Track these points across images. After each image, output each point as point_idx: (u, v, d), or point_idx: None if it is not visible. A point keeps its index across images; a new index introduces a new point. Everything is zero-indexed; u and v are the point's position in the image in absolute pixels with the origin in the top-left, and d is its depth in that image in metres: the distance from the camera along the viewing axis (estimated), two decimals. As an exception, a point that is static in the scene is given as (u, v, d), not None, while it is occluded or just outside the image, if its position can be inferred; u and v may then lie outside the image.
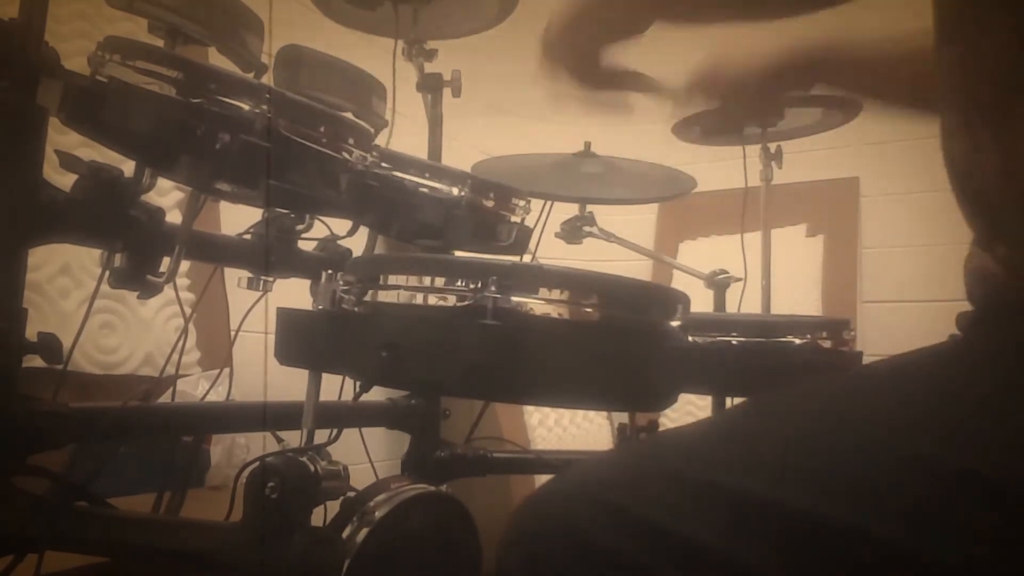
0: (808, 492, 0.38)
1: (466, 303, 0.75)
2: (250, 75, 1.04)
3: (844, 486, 0.38)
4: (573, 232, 1.76)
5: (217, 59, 1.06)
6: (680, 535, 0.39)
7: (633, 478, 0.45)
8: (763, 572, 0.37)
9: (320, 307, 0.85)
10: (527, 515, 0.47)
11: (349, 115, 1.10)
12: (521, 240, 1.27)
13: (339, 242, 1.24)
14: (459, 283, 0.76)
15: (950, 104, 0.49)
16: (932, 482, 0.37)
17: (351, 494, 0.88)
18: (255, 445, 1.50)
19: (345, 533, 0.84)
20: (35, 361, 0.89)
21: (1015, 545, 0.35)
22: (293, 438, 0.93)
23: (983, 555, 0.35)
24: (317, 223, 1.15)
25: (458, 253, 1.22)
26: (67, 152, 0.92)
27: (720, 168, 2.12)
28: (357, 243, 1.28)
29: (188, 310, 1.33)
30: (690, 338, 0.90)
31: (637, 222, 2.74)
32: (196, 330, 1.57)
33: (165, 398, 1.39)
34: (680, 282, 2.12)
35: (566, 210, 1.76)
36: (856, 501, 0.37)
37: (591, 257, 1.87)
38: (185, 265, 1.37)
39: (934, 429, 0.39)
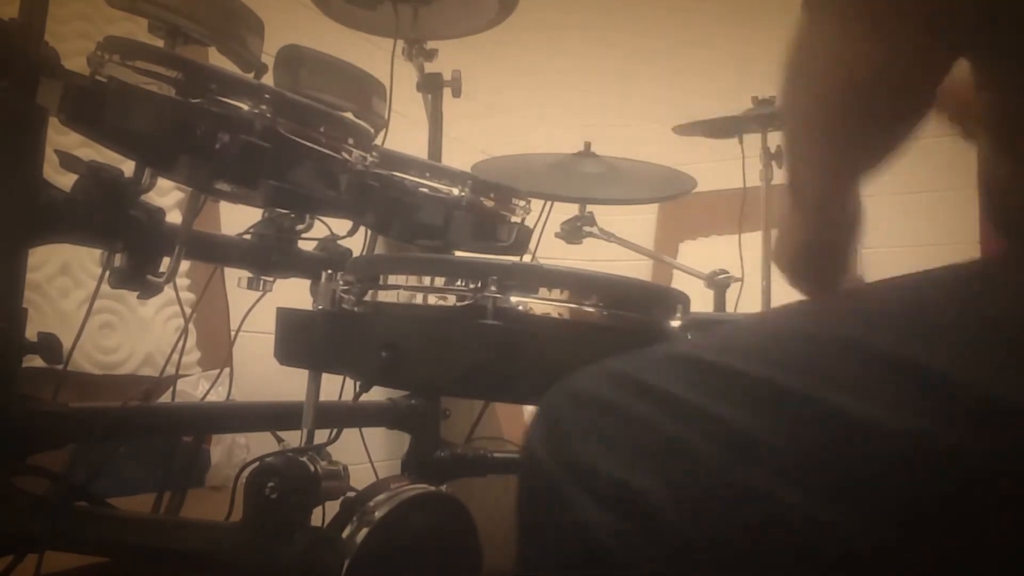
0: (821, 385, 0.40)
1: (466, 303, 0.75)
2: (250, 75, 1.04)
3: (852, 383, 0.39)
4: (573, 232, 1.76)
5: (217, 59, 1.06)
6: (698, 405, 0.41)
7: (652, 360, 0.47)
8: (769, 442, 0.39)
9: (320, 307, 0.85)
10: (551, 392, 0.49)
11: (349, 115, 1.10)
12: (521, 240, 1.27)
13: (339, 242, 1.24)
14: (459, 283, 0.76)
15: (990, 129, 0.50)
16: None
17: (351, 494, 0.88)
18: (255, 445, 1.50)
19: (345, 533, 0.84)
20: (35, 361, 0.89)
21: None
22: (293, 438, 0.93)
23: (986, 460, 0.36)
24: (317, 223, 1.15)
25: (458, 253, 1.22)
26: (67, 152, 0.92)
27: (720, 168, 2.12)
28: (357, 243, 1.28)
29: (188, 310, 1.33)
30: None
31: (637, 222, 2.74)
32: (196, 330, 1.57)
33: (165, 398, 1.39)
34: (680, 282, 2.12)
35: (566, 210, 1.76)
36: (861, 396, 0.39)
37: (591, 257, 1.88)
38: (185, 265, 1.37)
39: (950, 346, 0.40)
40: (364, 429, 1.39)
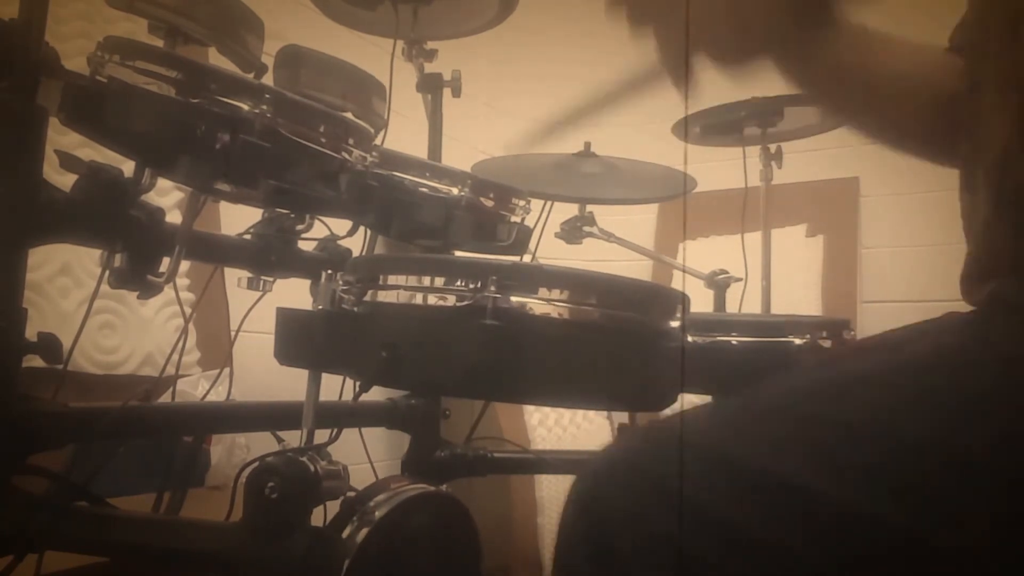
0: (825, 475, 0.41)
1: (466, 303, 0.75)
2: (250, 75, 1.04)
3: (854, 470, 0.40)
4: (573, 232, 1.76)
5: (217, 59, 1.06)
6: (721, 518, 0.42)
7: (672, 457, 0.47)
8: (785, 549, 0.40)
9: (320, 307, 0.85)
10: (584, 500, 0.49)
11: (349, 115, 1.10)
12: (521, 240, 1.27)
13: (339, 242, 1.24)
14: (459, 283, 0.76)
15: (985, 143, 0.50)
16: (933, 466, 0.39)
17: (351, 494, 0.88)
18: (255, 445, 1.50)
19: (345, 533, 0.84)
20: (35, 361, 0.88)
21: (1010, 527, 0.37)
22: (293, 438, 0.93)
23: (982, 537, 0.37)
24: (317, 223, 1.15)
25: (458, 253, 1.22)
26: (67, 152, 0.91)
27: (720, 168, 2.12)
28: (357, 243, 1.28)
29: (188, 310, 1.33)
30: (690, 338, 0.90)
31: (637, 222, 2.74)
32: (196, 330, 1.57)
33: (165, 398, 1.39)
34: (680, 282, 2.12)
35: (566, 210, 1.76)
36: (862, 483, 0.40)
37: (591, 257, 1.88)
38: (185, 265, 1.37)
39: (936, 414, 0.41)
40: (364, 429, 1.39)
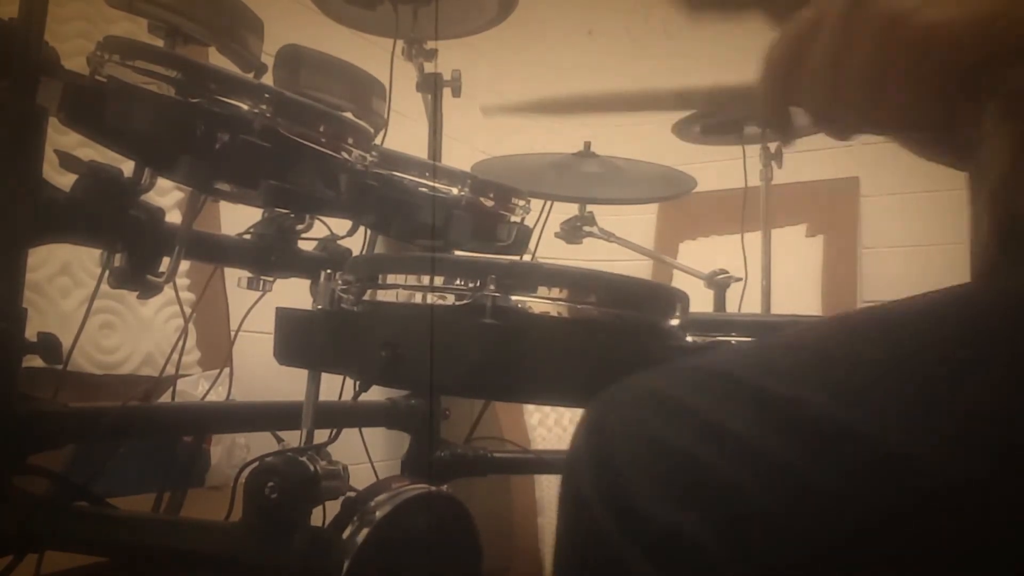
0: (846, 407, 0.40)
1: (465, 302, 0.75)
2: (250, 75, 1.04)
3: (879, 406, 0.40)
4: (573, 232, 1.76)
5: (217, 59, 1.06)
6: (747, 439, 0.41)
7: (700, 382, 0.46)
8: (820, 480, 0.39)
9: (319, 307, 0.85)
10: (595, 419, 0.48)
11: (349, 115, 1.10)
12: (521, 240, 1.27)
13: (339, 242, 1.24)
14: (458, 282, 0.76)
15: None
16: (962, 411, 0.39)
17: (351, 494, 0.88)
18: (255, 445, 1.50)
19: (345, 533, 0.84)
20: (35, 361, 0.89)
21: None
22: (293, 438, 0.93)
23: (1004, 478, 0.37)
24: (317, 223, 1.15)
25: (458, 253, 1.22)
26: (67, 152, 0.92)
27: (720, 168, 2.12)
28: (357, 243, 1.28)
29: (188, 310, 1.33)
30: (689, 338, 0.90)
31: (637, 222, 2.75)
32: (196, 330, 1.57)
33: (165, 398, 1.39)
34: (680, 282, 2.12)
35: (566, 210, 1.76)
36: (884, 418, 0.39)
37: (591, 257, 1.88)
38: (185, 265, 1.37)
39: (963, 364, 0.41)
40: (364, 429, 1.39)
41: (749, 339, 1.19)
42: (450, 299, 0.76)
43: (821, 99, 0.54)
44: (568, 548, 0.46)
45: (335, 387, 1.08)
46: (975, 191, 0.54)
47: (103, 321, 1.55)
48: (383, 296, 0.81)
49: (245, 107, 0.88)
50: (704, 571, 0.39)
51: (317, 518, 0.88)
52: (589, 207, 1.76)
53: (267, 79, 1.08)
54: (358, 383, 0.89)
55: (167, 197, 1.56)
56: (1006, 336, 0.42)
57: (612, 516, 0.42)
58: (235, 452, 1.56)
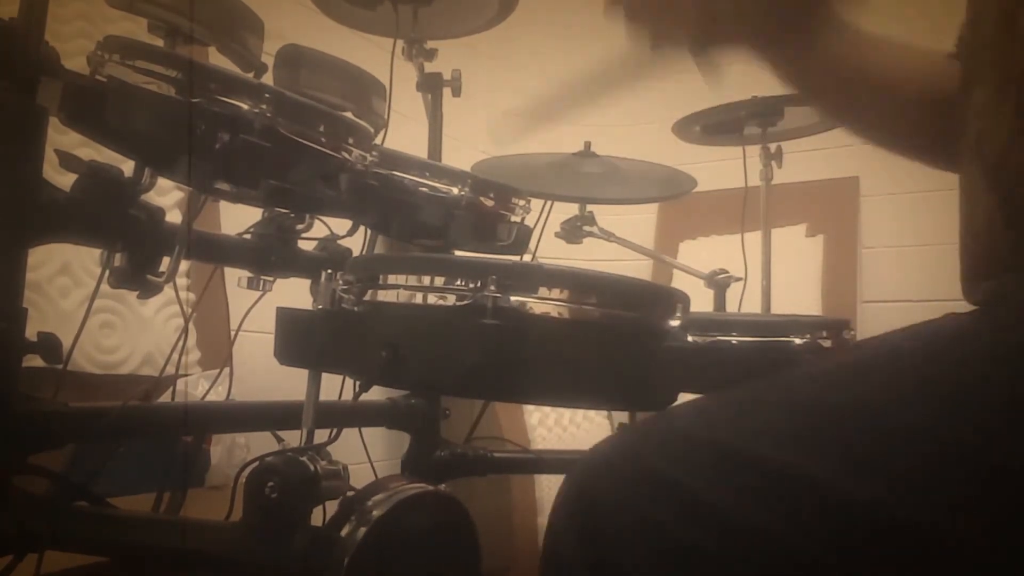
0: (815, 460, 0.40)
1: (465, 302, 0.75)
2: (250, 75, 1.04)
3: (845, 454, 0.40)
4: (573, 232, 1.76)
5: (217, 59, 1.06)
6: (712, 504, 0.42)
7: (683, 452, 0.46)
8: (771, 534, 0.40)
9: (320, 307, 0.85)
10: (580, 479, 0.48)
11: (349, 115, 1.10)
12: (521, 240, 1.27)
13: (339, 242, 1.24)
14: (459, 282, 0.76)
15: (988, 82, 0.50)
16: (926, 453, 0.39)
17: (350, 493, 0.88)
18: (255, 445, 1.50)
19: (344, 532, 0.84)
20: (35, 360, 0.88)
21: (1003, 517, 0.37)
22: (293, 438, 0.93)
23: (973, 525, 0.37)
24: (317, 223, 1.15)
25: (458, 253, 1.22)
26: (67, 152, 0.91)
27: (720, 168, 2.12)
28: (357, 243, 1.28)
29: (188, 310, 1.33)
30: (690, 338, 0.90)
31: (637, 222, 2.74)
32: (196, 330, 1.57)
33: (165, 398, 1.39)
34: (680, 282, 2.12)
35: (566, 210, 1.76)
36: (853, 468, 0.40)
37: (591, 257, 1.88)
38: (185, 265, 1.37)
39: (930, 403, 0.41)
40: (364, 429, 1.39)
41: (747, 340, 1.20)
42: (451, 299, 0.76)
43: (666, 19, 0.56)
44: None
45: (335, 387, 1.08)
46: (968, 172, 0.54)
47: (103, 321, 1.55)
48: (384, 296, 0.81)
49: (245, 107, 0.88)
50: None
51: (317, 518, 0.88)
52: (589, 207, 1.76)
53: (267, 79, 1.08)
54: (358, 383, 0.89)
55: (167, 197, 1.56)
56: (970, 382, 0.42)
57: None
58: (235, 452, 1.56)
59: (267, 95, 0.90)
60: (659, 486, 0.44)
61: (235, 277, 1.13)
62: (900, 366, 0.45)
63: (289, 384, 1.01)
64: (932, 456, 0.39)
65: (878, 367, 0.46)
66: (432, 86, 1.52)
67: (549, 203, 1.62)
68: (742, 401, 0.49)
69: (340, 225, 1.22)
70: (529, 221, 1.32)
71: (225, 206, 1.38)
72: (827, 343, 1.21)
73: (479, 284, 0.75)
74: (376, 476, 0.97)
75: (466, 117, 1.68)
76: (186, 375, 1.56)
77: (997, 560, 0.37)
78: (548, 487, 2.05)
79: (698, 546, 0.41)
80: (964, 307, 0.55)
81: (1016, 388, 0.40)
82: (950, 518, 0.37)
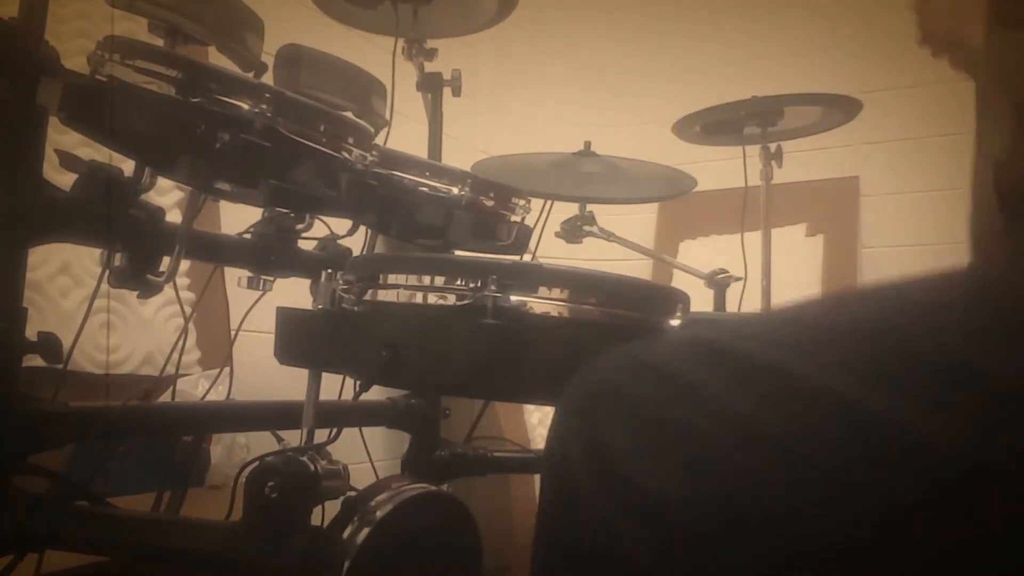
0: (838, 376, 0.39)
1: (466, 302, 0.75)
2: (250, 74, 1.04)
3: (861, 370, 0.40)
4: (573, 231, 1.76)
5: (217, 59, 1.06)
6: (710, 391, 0.41)
7: (675, 348, 0.45)
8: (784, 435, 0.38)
9: (320, 306, 0.85)
10: (580, 386, 0.47)
11: (349, 114, 1.10)
12: (521, 239, 1.27)
13: (339, 241, 1.24)
14: (459, 282, 0.76)
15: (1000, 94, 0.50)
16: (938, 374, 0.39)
17: (351, 494, 0.88)
18: (255, 445, 1.50)
19: (346, 533, 0.84)
20: (35, 360, 0.89)
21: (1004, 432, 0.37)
22: (293, 438, 0.93)
23: (978, 439, 0.37)
24: (317, 222, 1.15)
25: (458, 252, 1.22)
26: (67, 152, 0.92)
27: (720, 168, 2.12)
28: (357, 243, 1.28)
29: (188, 310, 1.33)
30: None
31: (637, 222, 2.75)
32: (196, 330, 1.57)
33: (165, 398, 1.39)
34: (680, 282, 2.12)
35: (566, 209, 1.76)
36: (875, 387, 0.39)
37: (591, 256, 1.88)
38: (185, 265, 1.37)
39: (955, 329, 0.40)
40: (364, 429, 1.39)
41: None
42: (451, 299, 0.76)
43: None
44: (551, 504, 0.46)
45: (335, 387, 1.08)
46: (978, 158, 0.53)
47: (103, 321, 1.55)
48: (384, 296, 0.81)
49: (245, 107, 0.88)
50: (689, 535, 0.38)
51: (317, 518, 0.88)
52: (589, 207, 1.76)
53: (267, 79, 1.08)
54: (358, 383, 0.89)
55: (167, 197, 1.56)
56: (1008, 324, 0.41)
57: (597, 479, 0.42)
58: (235, 452, 1.56)
59: (267, 95, 0.90)
60: (668, 383, 0.43)
61: (235, 277, 1.13)
62: (942, 302, 0.45)
63: (289, 384, 1.01)
64: (960, 389, 0.38)
65: (899, 293, 0.46)
66: (432, 86, 1.52)
67: (549, 203, 1.62)
68: (780, 320, 0.48)
69: (340, 225, 1.22)
70: (529, 221, 1.32)
71: (225, 206, 1.38)
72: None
73: (479, 284, 0.75)
74: (377, 476, 0.97)
75: (466, 117, 1.68)
76: (186, 375, 1.56)
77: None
78: (548, 487, 2.04)
79: (706, 436, 0.40)
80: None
81: None
82: (952, 431, 0.37)
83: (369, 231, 1.32)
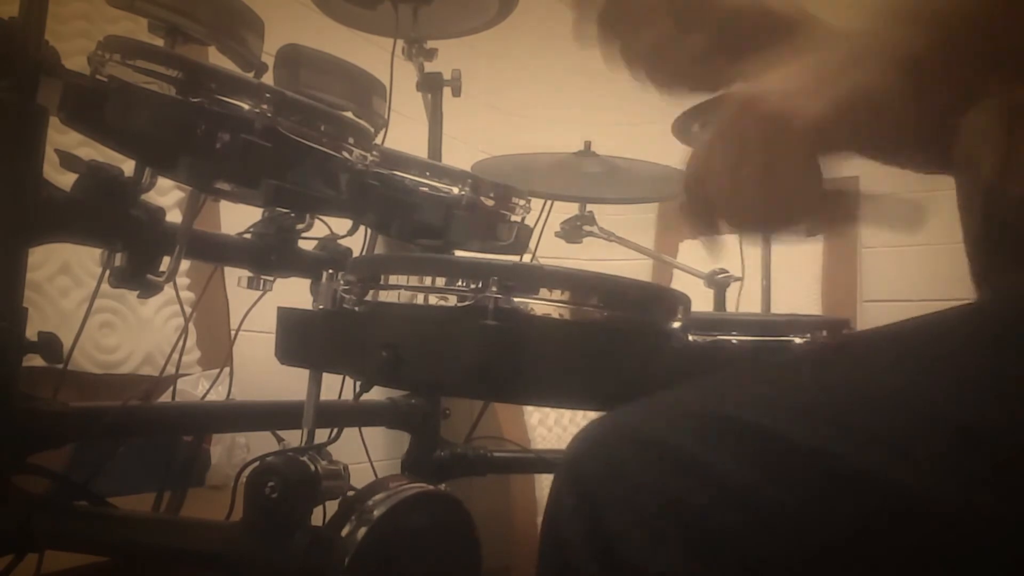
0: (830, 435, 0.40)
1: (467, 303, 0.75)
2: (250, 74, 1.04)
3: (860, 432, 0.40)
4: (573, 231, 1.76)
5: (217, 59, 1.06)
6: (712, 466, 0.41)
7: (680, 419, 0.45)
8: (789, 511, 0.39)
9: (320, 307, 0.85)
10: (578, 455, 0.47)
11: (349, 114, 1.10)
12: (521, 239, 1.27)
13: (339, 241, 1.23)
14: (460, 283, 0.76)
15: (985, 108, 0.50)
16: (939, 434, 0.39)
17: (350, 493, 0.88)
18: (255, 445, 1.50)
19: (344, 532, 0.84)
20: (35, 360, 0.89)
21: (1008, 491, 0.37)
22: (293, 438, 0.93)
23: (981, 501, 0.37)
24: (317, 222, 1.15)
25: (459, 253, 1.22)
26: (67, 152, 0.91)
27: (720, 168, 2.12)
28: (357, 243, 1.28)
29: (188, 310, 1.33)
30: (690, 337, 0.90)
31: (637, 222, 2.74)
32: (196, 330, 1.57)
33: (165, 398, 1.39)
34: (680, 281, 2.12)
35: (566, 209, 1.76)
36: (869, 446, 0.39)
37: (591, 256, 1.88)
38: (185, 264, 1.37)
39: (945, 387, 0.41)
40: (364, 429, 1.39)
41: (747, 339, 1.20)
42: (452, 300, 0.76)
43: (727, 205, 0.55)
44: None
45: (335, 387, 1.08)
46: (964, 198, 0.54)
47: (103, 321, 1.55)
48: (385, 296, 0.81)
49: (246, 107, 0.88)
50: None
51: (317, 517, 0.88)
52: (589, 207, 1.76)
53: (267, 79, 1.08)
54: (358, 383, 0.89)
55: (167, 197, 1.56)
56: (978, 362, 0.42)
57: (594, 558, 0.42)
58: (235, 452, 1.56)
59: (267, 95, 0.90)
60: (656, 451, 0.43)
61: (235, 277, 1.13)
62: (907, 345, 0.45)
63: (289, 384, 1.01)
64: (946, 435, 0.38)
65: (883, 347, 0.46)
66: (432, 86, 1.52)
67: (549, 203, 1.62)
68: (743, 379, 0.48)
69: (340, 225, 1.22)
70: (529, 221, 1.32)
71: (225, 206, 1.38)
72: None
73: (480, 285, 0.75)
74: (376, 476, 0.97)
75: (466, 117, 1.68)
76: (186, 375, 1.56)
77: (1009, 535, 0.36)
78: (548, 487, 2.04)
79: (698, 505, 0.40)
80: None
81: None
82: (954, 495, 0.37)
83: (369, 231, 1.32)
